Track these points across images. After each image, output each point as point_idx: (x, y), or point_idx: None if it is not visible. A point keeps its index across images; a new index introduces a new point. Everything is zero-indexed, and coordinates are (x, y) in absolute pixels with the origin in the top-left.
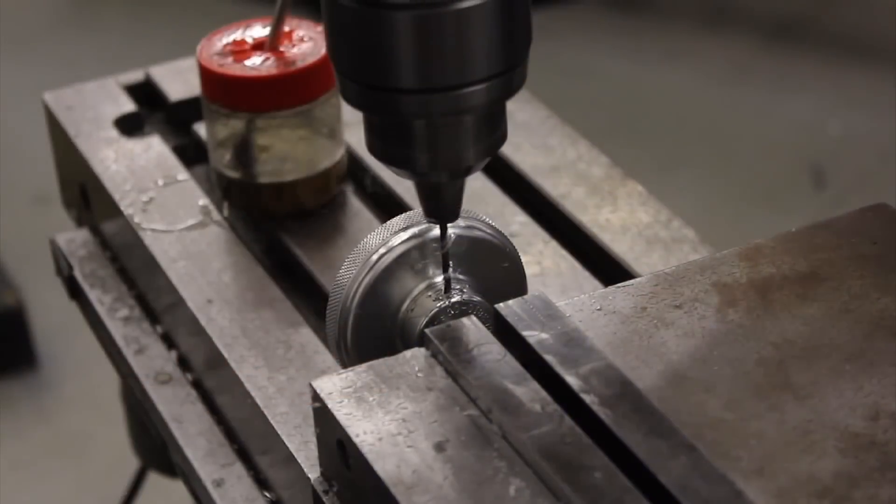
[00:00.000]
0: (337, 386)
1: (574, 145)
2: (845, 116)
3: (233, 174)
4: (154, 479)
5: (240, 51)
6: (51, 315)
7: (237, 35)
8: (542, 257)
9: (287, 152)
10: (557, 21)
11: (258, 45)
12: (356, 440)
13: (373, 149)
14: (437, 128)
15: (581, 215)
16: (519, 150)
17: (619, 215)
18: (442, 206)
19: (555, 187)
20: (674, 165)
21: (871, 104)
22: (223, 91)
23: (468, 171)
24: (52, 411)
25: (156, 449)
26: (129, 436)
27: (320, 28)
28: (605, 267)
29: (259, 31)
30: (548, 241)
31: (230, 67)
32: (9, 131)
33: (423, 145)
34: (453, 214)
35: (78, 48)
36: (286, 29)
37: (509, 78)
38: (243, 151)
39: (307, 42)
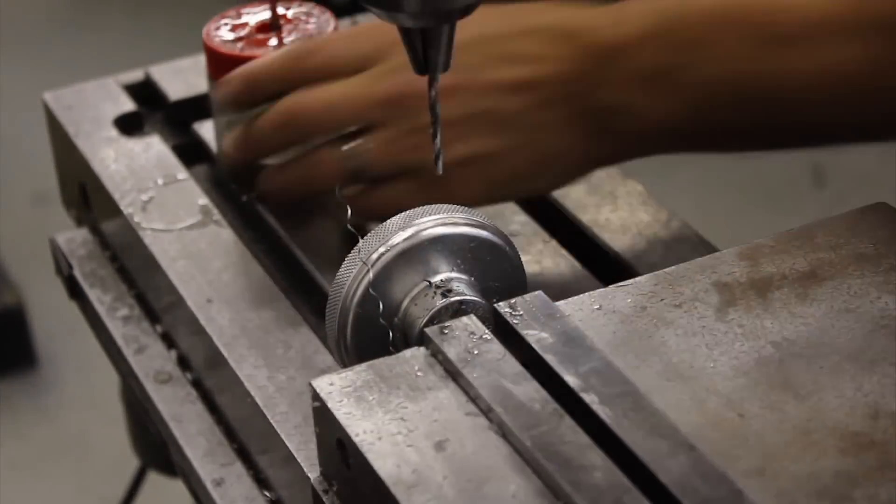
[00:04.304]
0: (336, 385)
1: None
2: None
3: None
4: (154, 479)
5: (247, 34)
6: (51, 315)
7: (241, 19)
8: (541, 257)
9: None
10: None
11: (263, 27)
12: (356, 439)
13: None
14: None
15: (581, 215)
16: None
17: (619, 214)
18: (430, 54)
19: None
20: (674, 165)
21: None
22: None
23: (454, 13)
24: (52, 411)
25: (155, 448)
26: (128, 435)
27: (320, 10)
28: (605, 266)
29: (260, 13)
30: (547, 241)
31: (244, 50)
32: (9, 131)
33: None
34: (442, 65)
35: (78, 48)
36: (285, 12)
37: None
38: None
39: (311, 23)
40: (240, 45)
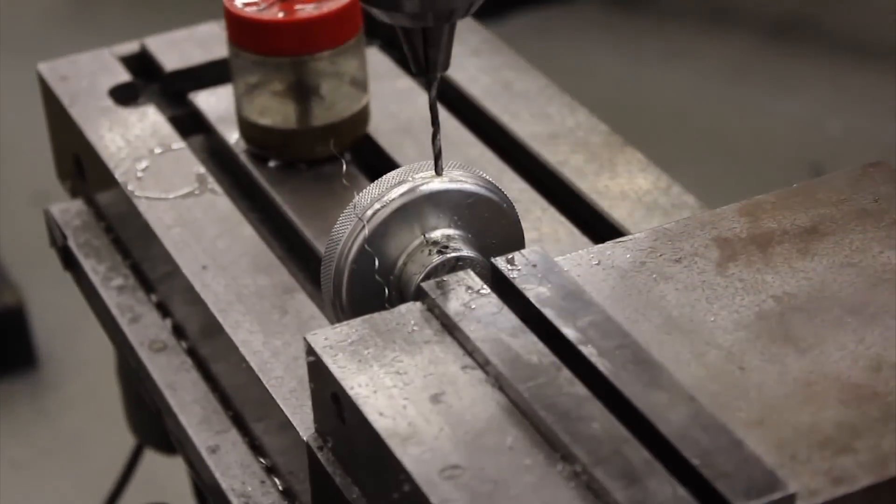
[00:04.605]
0: (331, 339)
1: (573, 114)
2: (845, 116)
3: (286, 125)
4: (150, 458)
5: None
6: (51, 315)
7: None
8: (540, 223)
9: (329, 94)
10: (557, 20)
11: None
12: (351, 392)
13: None
14: None
15: (580, 182)
16: (517, 118)
17: (618, 182)
18: (430, 54)
19: (553, 154)
20: (673, 165)
21: (870, 104)
22: (267, 38)
23: (454, 13)
24: (52, 411)
25: (152, 426)
26: (124, 413)
27: None
28: (604, 233)
29: None
30: (546, 208)
31: (263, 13)
32: (8, 131)
33: None
34: (442, 66)
35: (77, 48)
36: None
37: None
38: (301, 97)
39: None
40: (259, 8)
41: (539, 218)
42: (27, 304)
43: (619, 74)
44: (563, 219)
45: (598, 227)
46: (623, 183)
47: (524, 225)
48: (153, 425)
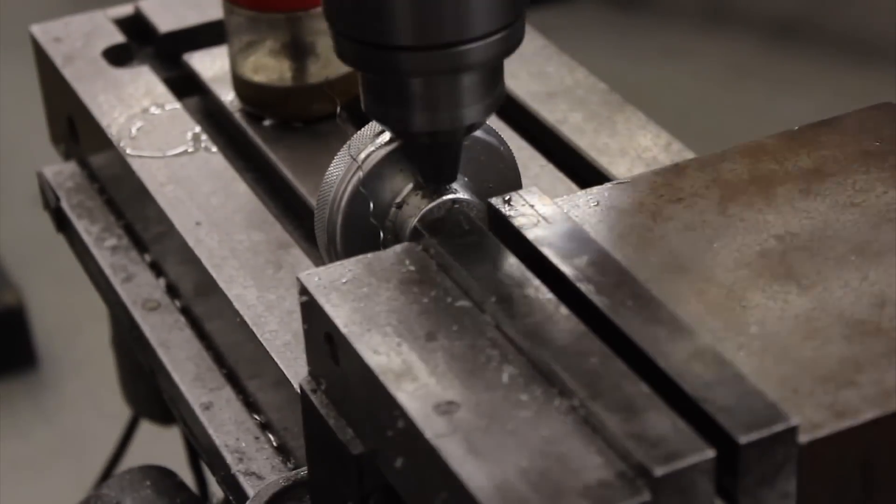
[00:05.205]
0: (324, 279)
1: (572, 73)
2: None
3: (281, 83)
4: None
5: None
6: (51, 315)
7: None
8: (538, 180)
9: (325, 51)
10: (555, 19)
11: None
12: (344, 331)
13: (368, 109)
14: (434, 86)
15: (578, 139)
16: (515, 78)
17: (617, 139)
18: (439, 168)
19: (551, 113)
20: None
21: (870, 104)
22: None
23: (469, 130)
24: (52, 411)
25: (147, 397)
26: (119, 383)
27: None
28: None
29: None
30: (544, 165)
31: None
32: (9, 132)
33: (420, 104)
34: (451, 177)
35: None
36: None
37: (508, 34)
38: (297, 54)
39: None
40: None
41: (538, 175)
42: (27, 304)
43: (618, 74)
44: (561, 175)
45: (597, 183)
46: (622, 140)
47: (522, 182)
48: (148, 395)
